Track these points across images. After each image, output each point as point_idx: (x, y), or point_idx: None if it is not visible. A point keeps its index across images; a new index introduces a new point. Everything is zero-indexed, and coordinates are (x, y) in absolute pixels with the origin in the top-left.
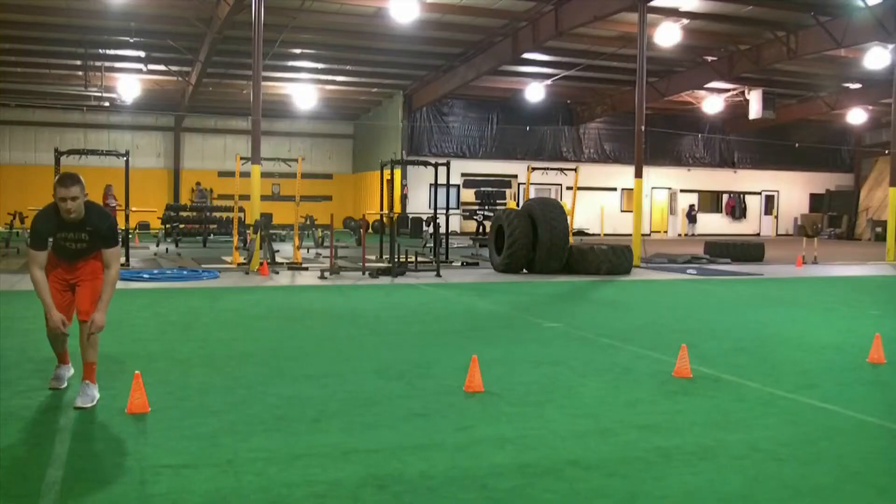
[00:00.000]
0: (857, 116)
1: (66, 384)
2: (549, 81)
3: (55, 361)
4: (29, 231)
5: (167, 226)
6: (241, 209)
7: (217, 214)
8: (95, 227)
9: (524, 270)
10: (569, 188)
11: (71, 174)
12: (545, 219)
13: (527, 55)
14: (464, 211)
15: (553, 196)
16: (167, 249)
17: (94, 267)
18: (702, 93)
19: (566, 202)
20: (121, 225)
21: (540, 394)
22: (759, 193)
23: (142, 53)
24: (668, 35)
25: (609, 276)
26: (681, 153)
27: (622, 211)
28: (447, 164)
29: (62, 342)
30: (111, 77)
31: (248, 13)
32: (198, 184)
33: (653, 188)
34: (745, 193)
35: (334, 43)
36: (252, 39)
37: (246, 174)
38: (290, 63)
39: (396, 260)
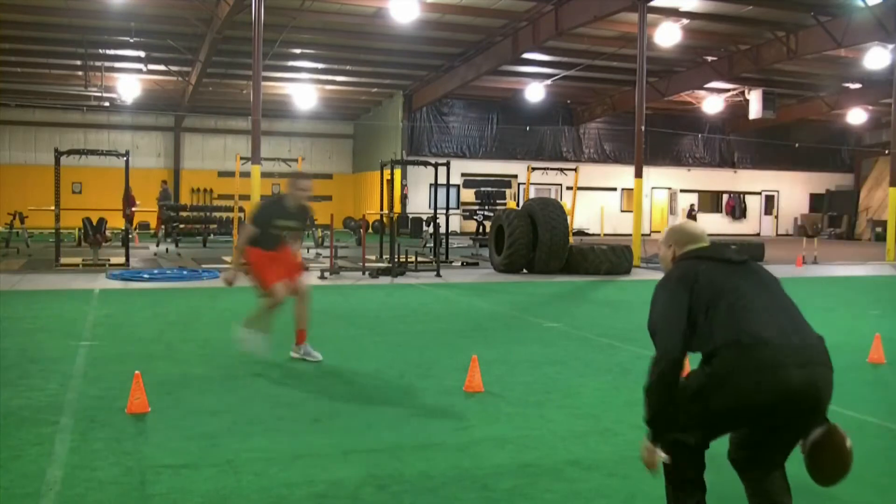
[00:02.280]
0: (857, 116)
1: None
2: (549, 81)
3: (56, 362)
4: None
5: (167, 226)
6: (242, 209)
7: (217, 214)
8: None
9: (524, 270)
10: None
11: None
12: (545, 219)
13: (527, 55)
14: (464, 211)
15: (553, 196)
16: (167, 249)
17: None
18: (702, 93)
19: (566, 202)
20: (121, 225)
21: (540, 394)
22: (759, 193)
23: (142, 53)
24: (668, 35)
25: (609, 276)
26: (681, 153)
27: (622, 211)
28: (447, 164)
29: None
30: (111, 77)
31: (248, 13)
32: (164, 182)
33: (653, 188)
34: (745, 193)
35: (334, 43)
36: (252, 39)
37: (246, 174)
38: (290, 63)
39: (396, 260)
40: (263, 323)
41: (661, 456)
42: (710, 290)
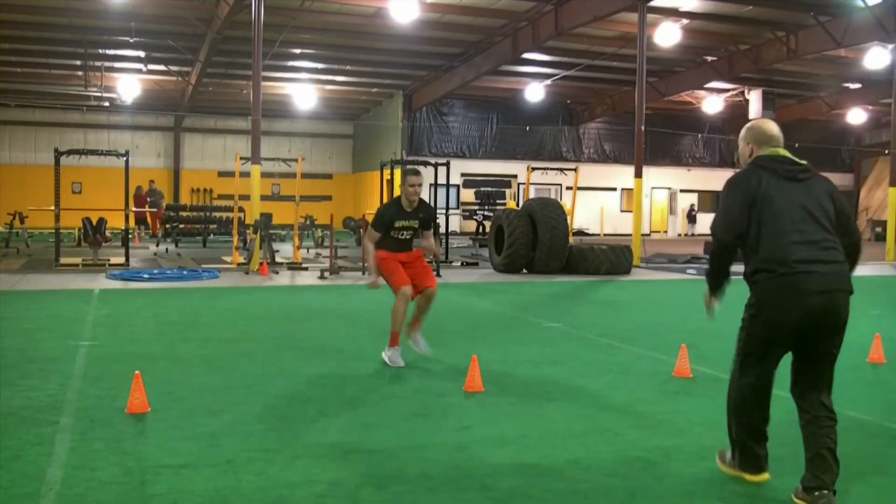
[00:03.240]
0: (857, 116)
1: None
2: (549, 81)
3: (56, 362)
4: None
5: (167, 226)
6: (241, 209)
7: (217, 214)
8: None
9: (524, 270)
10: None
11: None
12: (545, 219)
13: (527, 55)
14: (464, 211)
15: (553, 196)
16: (167, 249)
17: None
18: (702, 93)
19: (566, 202)
20: (120, 225)
21: (540, 394)
22: None
23: (142, 53)
24: (668, 35)
25: (609, 276)
26: (681, 153)
27: (622, 211)
28: (447, 164)
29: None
30: (111, 77)
31: (248, 13)
32: (151, 181)
33: (653, 188)
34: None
35: (334, 43)
36: (252, 39)
37: (246, 174)
38: (290, 63)
39: None
40: (397, 325)
41: (716, 305)
42: (764, 206)
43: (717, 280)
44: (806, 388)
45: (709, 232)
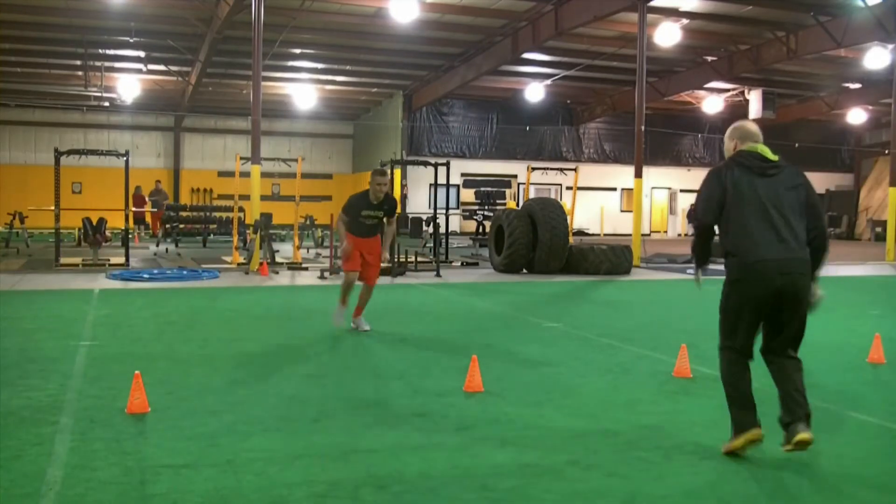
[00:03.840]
0: (857, 116)
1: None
2: (549, 81)
3: (56, 362)
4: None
5: (167, 226)
6: (241, 209)
7: (217, 214)
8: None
9: (524, 270)
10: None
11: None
12: (545, 219)
13: (527, 55)
14: (464, 211)
15: (553, 196)
16: (167, 249)
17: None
18: (702, 93)
19: (566, 202)
20: (120, 225)
21: (540, 394)
22: None
23: (142, 53)
24: (668, 35)
25: (609, 276)
26: (681, 153)
27: (622, 211)
28: (447, 164)
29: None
30: (111, 77)
31: (248, 13)
32: (157, 181)
33: (653, 188)
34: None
35: (334, 43)
36: (252, 39)
37: (246, 174)
38: (290, 63)
39: (396, 260)
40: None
41: (701, 279)
42: (733, 197)
43: (701, 256)
44: (774, 349)
45: None
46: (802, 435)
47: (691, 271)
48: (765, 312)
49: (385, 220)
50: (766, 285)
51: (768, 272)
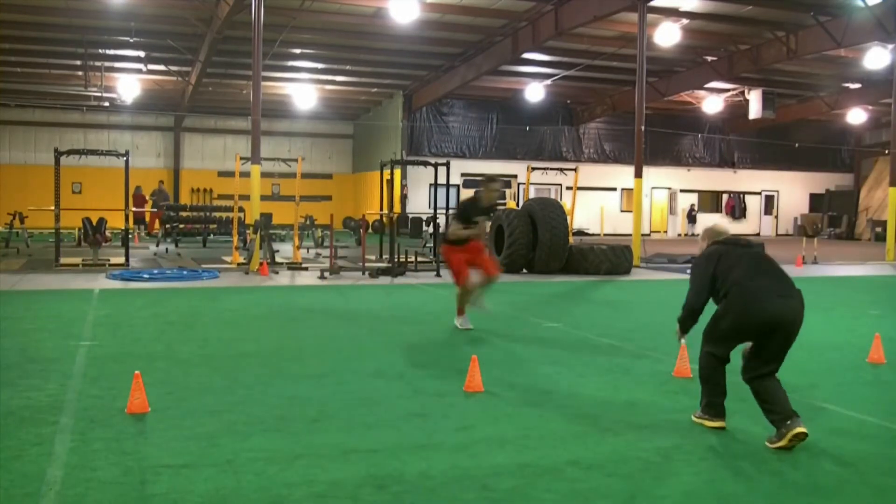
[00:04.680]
0: (857, 116)
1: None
2: (549, 81)
3: (56, 362)
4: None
5: (167, 226)
6: (241, 209)
7: (217, 214)
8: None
9: (524, 270)
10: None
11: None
12: (545, 219)
13: (527, 55)
14: None
15: (553, 196)
16: (167, 249)
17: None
18: (702, 93)
19: (566, 202)
20: (120, 225)
21: (540, 394)
22: (759, 193)
23: (142, 53)
24: (668, 35)
25: (609, 276)
26: (681, 153)
27: (622, 211)
28: (447, 164)
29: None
30: (111, 77)
31: (248, 13)
32: (161, 182)
33: (653, 188)
34: (744, 193)
35: (334, 43)
36: (252, 39)
37: (246, 174)
38: (290, 63)
39: (396, 260)
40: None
41: (683, 339)
42: (726, 262)
43: (687, 328)
44: (759, 372)
45: None
46: (801, 428)
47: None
48: (757, 339)
49: (482, 219)
50: (761, 311)
51: (765, 298)
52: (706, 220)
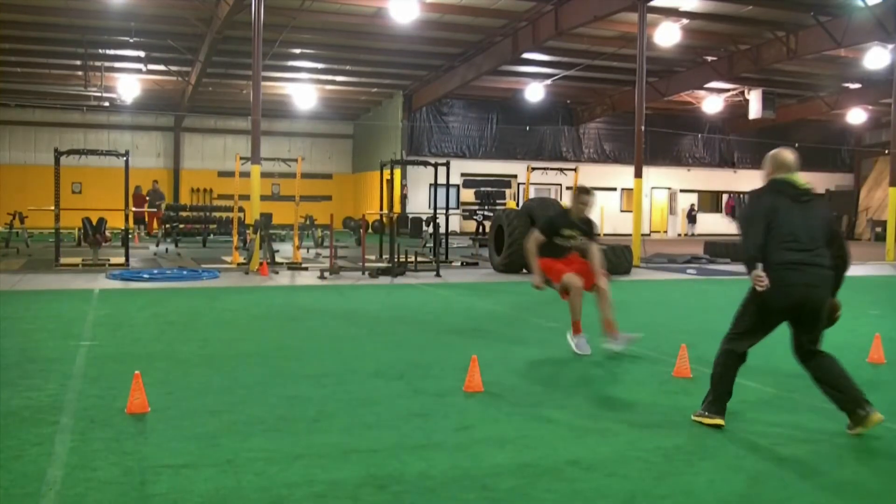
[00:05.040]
0: (857, 116)
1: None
2: (549, 81)
3: (56, 362)
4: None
5: (167, 225)
6: (241, 209)
7: (217, 214)
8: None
9: (524, 270)
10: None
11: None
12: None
13: (527, 55)
14: (464, 211)
15: (553, 196)
16: (167, 249)
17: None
18: (702, 93)
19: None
20: (120, 225)
21: (540, 394)
22: None
23: (142, 53)
24: (667, 35)
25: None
26: (681, 153)
27: (622, 211)
28: (447, 164)
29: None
30: (111, 77)
31: (248, 13)
32: (154, 182)
33: (653, 188)
34: (744, 193)
35: (334, 43)
36: (252, 39)
37: (246, 174)
38: (290, 63)
39: (396, 260)
40: (576, 314)
41: (761, 278)
42: (775, 218)
43: (751, 267)
44: (802, 350)
45: (709, 232)
46: (878, 415)
47: (692, 271)
48: (789, 319)
49: (586, 239)
50: (789, 294)
51: (795, 282)
52: (706, 220)
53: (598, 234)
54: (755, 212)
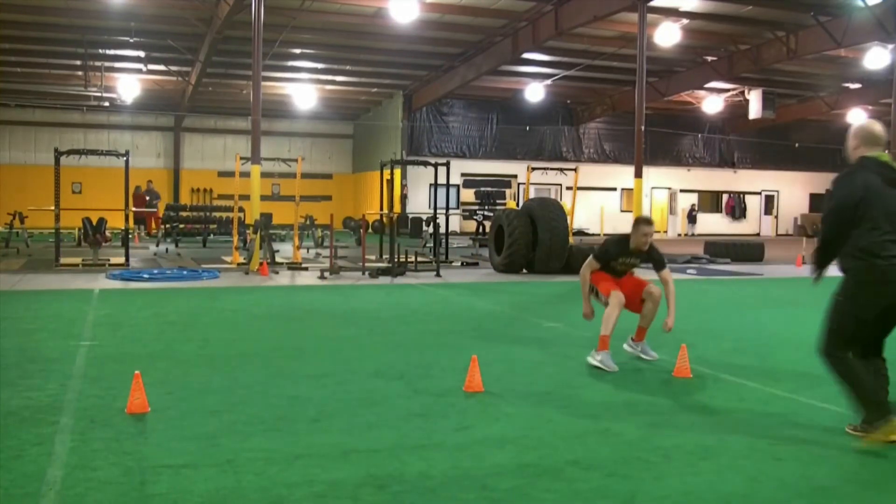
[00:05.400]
0: (857, 116)
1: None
2: (549, 81)
3: (56, 362)
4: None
5: (167, 225)
6: (241, 209)
7: (217, 214)
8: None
9: (524, 270)
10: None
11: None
12: (545, 219)
13: (527, 55)
14: (464, 211)
15: (553, 196)
16: (167, 249)
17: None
18: (702, 93)
19: (566, 202)
20: (120, 225)
21: (540, 394)
22: (759, 193)
23: (142, 53)
24: (667, 35)
25: None
26: (681, 153)
27: (622, 211)
28: (447, 164)
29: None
30: (111, 77)
31: (248, 13)
32: (149, 182)
33: (653, 188)
34: (744, 193)
35: (334, 43)
36: (252, 39)
37: (246, 174)
38: (290, 63)
39: (396, 260)
40: (608, 328)
41: (818, 279)
42: (864, 204)
43: (823, 265)
44: (871, 351)
45: (709, 232)
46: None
47: (692, 271)
48: (881, 319)
49: (659, 273)
50: (890, 292)
51: (888, 279)
52: (706, 220)
53: (665, 263)
54: (848, 196)
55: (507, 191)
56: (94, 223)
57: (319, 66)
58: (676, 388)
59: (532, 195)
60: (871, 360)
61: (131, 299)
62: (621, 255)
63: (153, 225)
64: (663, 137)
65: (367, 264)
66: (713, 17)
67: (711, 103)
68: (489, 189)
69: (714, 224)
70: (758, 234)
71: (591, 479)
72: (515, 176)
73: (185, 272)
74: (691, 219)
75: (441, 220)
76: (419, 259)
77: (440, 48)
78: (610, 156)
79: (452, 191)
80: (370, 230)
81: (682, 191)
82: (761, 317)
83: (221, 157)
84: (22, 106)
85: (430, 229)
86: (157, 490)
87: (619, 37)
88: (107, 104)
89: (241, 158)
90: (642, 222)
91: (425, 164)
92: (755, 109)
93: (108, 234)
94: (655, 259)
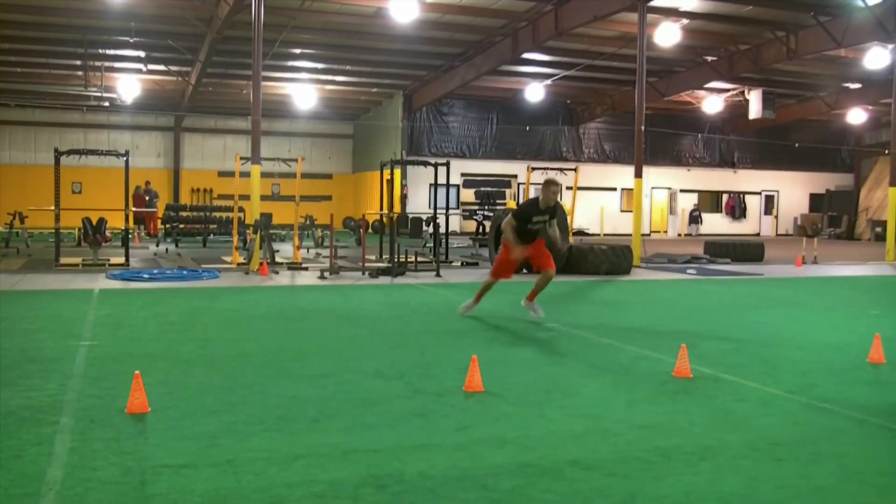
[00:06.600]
0: (857, 116)
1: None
2: (549, 81)
3: (56, 362)
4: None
5: (167, 225)
6: (241, 209)
7: (217, 214)
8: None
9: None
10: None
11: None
12: None
13: (527, 55)
14: (464, 211)
15: None
16: (167, 249)
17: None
18: (702, 93)
19: (566, 202)
20: (120, 225)
21: (540, 394)
22: (759, 193)
23: (142, 53)
24: (667, 35)
25: (609, 276)
26: (681, 153)
27: (622, 211)
28: (447, 164)
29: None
30: (111, 77)
31: (248, 13)
32: (147, 182)
33: (653, 188)
34: (744, 193)
35: (334, 43)
36: (252, 39)
37: (246, 174)
38: (290, 63)
39: (396, 260)
40: (480, 291)
41: None
42: None
43: None
44: None
45: (709, 232)
46: None
47: (692, 271)
48: None
49: (549, 222)
50: None
51: None
52: (706, 220)
53: (563, 217)
54: None
55: (507, 191)
56: (94, 223)
57: (319, 66)
58: (676, 387)
59: (532, 195)
60: None
61: (131, 299)
62: (535, 214)
63: (152, 225)
64: (663, 137)
65: (367, 264)
66: (713, 17)
67: (711, 103)
68: (489, 189)
69: (714, 224)
70: (758, 234)
71: (591, 479)
72: (515, 176)
73: (185, 272)
74: (693, 219)
75: (441, 220)
76: (419, 259)
77: (440, 48)
78: (610, 156)
79: (452, 191)
80: (370, 230)
81: (682, 191)
82: (761, 317)
83: (221, 157)
84: (22, 106)
85: (430, 229)
86: (157, 490)
87: (619, 37)
88: (107, 104)
89: (241, 158)
90: (551, 182)
91: (425, 164)
92: (755, 109)
93: (108, 234)
94: (555, 211)
